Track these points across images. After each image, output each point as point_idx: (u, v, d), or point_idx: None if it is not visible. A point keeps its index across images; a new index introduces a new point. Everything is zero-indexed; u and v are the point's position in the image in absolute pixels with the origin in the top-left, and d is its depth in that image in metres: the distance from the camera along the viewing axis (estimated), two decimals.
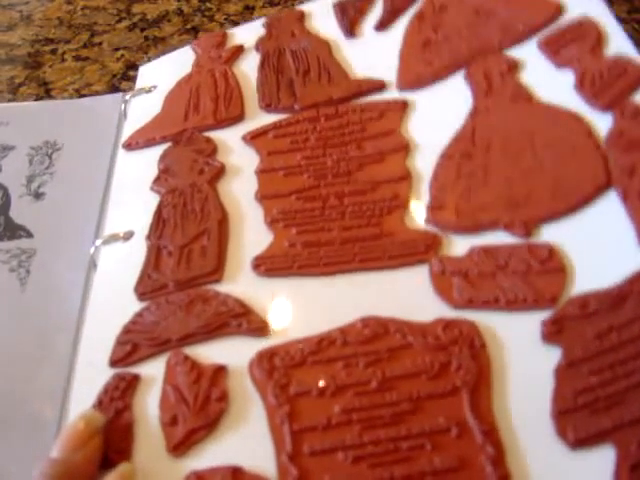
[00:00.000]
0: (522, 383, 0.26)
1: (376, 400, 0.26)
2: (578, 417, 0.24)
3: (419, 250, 0.31)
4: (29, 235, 0.38)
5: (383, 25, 0.43)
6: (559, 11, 0.38)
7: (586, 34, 0.36)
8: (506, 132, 0.34)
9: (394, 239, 0.31)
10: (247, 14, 0.59)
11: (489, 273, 0.29)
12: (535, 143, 0.33)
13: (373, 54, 0.42)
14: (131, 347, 0.29)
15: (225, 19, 0.58)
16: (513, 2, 0.40)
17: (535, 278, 0.28)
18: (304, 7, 0.47)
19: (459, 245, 0.31)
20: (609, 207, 0.30)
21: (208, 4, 0.60)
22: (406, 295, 0.29)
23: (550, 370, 0.26)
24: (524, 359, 0.27)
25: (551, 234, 0.30)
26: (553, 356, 0.26)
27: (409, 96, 0.38)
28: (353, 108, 0.39)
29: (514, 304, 0.28)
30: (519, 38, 0.38)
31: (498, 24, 0.39)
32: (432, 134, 0.36)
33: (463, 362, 0.26)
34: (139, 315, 0.30)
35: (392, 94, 0.39)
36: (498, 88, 0.36)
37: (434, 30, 0.41)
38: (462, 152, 0.34)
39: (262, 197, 0.35)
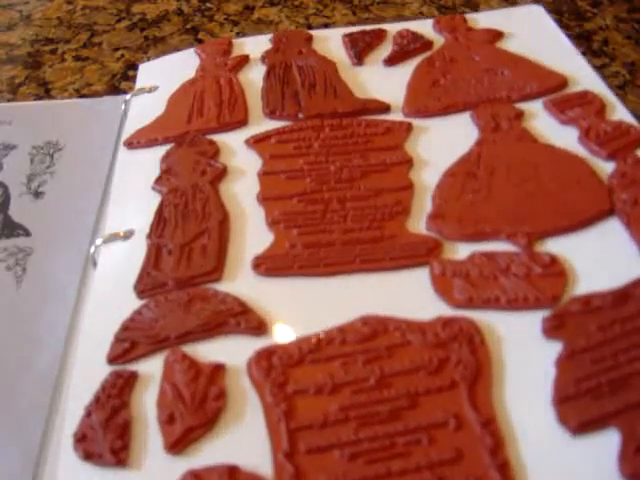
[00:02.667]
0: (522, 377, 0.26)
1: (374, 397, 0.26)
2: (580, 403, 0.24)
3: (420, 253, 0.31)
4: (27, 234, 0.38)
5: (392, 61, 0.45)
6: (564, 83, 0.40)
7: (591, 101, 0.39)
8: (511, 162, 0.36)
9: (395, 242, 0.32)
10: (247, 14, 0.59)
11: (490, 275, 0.29)
12: (540, 174, 0.35)
13: (379, 82, 0.43)
14: (129, 344, 0.28)
15: (225, 19, 0.58)
16: (521, 69, 0.42)
17: (537, 280, 0.29)
18: (312, 32, 0.49)
19: (460, 251, 0.31)
20: (612, 229, 0.31)
21: (208, 4, 0.61)
22: (406, 296, 0.30)
23: (551, 364, 0.26)
24: (524, 354, 0.27)
25: (553, 249, 0.30)
26: (554, 351, 0.26)
27: (414, 122, 0.39)
28: (358, 122, 0.39)
29: (515, 303, 0.28)
30: (526, 97, 0.40)
31: (506, 83, 0.41)
32: (436, 156, 0.37)
33: (462, 357, 0.26)
34: (138, 313, 0.30)
35: (397, 117, 0.40)
36: (505, 129, 0.38)
37: (443, 75, 0.43)
38: (467, 172, 0.35)
39: (264, 198, 0.35)
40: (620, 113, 0.38)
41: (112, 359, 0.28)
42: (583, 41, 0.56)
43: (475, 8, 0.60)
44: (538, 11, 0.48)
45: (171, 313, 0.29)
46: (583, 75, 0.41)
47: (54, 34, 0.57)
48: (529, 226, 0.31)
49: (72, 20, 0.59)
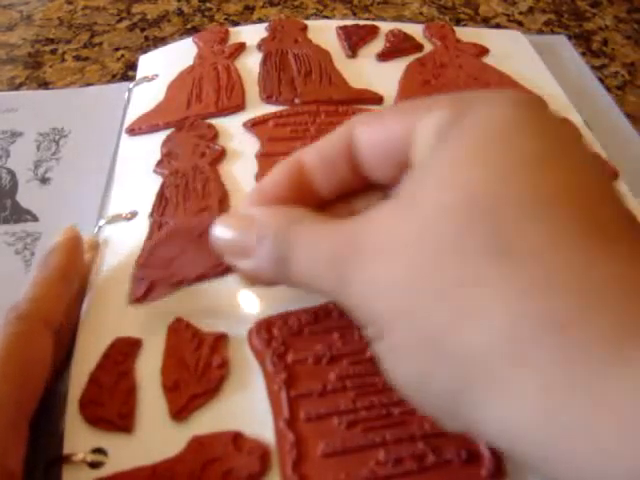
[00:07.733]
0: None
1: (370, 368, 0.27)
2: None
3: None
4: (35, 219, 0.39)
5: (384, 56, 0.46)
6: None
7: None
8: None
9: None
10: (247, 14, 0.60)
11: None
12: None
13: (371, 75, 0.44)
14: (149, 284, 0.29)
15: (225, 19, 0.59)
16: (506, 85, 0.44)
17: None
18: (307, 22, 0.50)
19: None
20: None
21: (208, 4, 0.61)
22: None
23: None
24: None
25: None
26: None
27: None
28: (353, 111, 0.40)
29: None
30: None
31: None
32: None
33: None
34: (152, 250, 0.31)
35: None
36: None
37: (434, 77, 0.44)
38: None
39: None
40: (595, 146, 0.39)
41: (136, 299, 0.28)
42: (582, 41, 0.57)
43: (475, 8, 0.61)
44: (518, 36, 0.50)
45: (184, 254, 0.30)
46: (560, 103, 0.42)
47: (54, 34, 0.57)
48: None
49: (72, 20, 0.59)
